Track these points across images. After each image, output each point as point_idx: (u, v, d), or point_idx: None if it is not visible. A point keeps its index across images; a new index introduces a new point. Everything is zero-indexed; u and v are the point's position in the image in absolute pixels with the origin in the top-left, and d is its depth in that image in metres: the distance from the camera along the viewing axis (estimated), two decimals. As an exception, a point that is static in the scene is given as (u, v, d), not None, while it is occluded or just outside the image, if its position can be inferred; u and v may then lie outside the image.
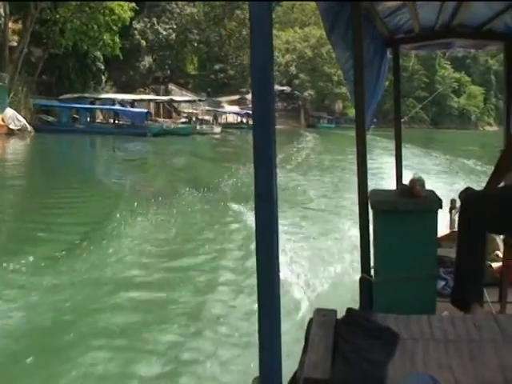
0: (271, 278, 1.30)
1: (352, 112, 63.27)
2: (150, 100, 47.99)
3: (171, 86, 55.01)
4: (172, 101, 48.60)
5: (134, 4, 42.92)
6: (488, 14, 3.79)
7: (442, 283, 3.32)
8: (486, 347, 1.63)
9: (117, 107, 41.93)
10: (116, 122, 40.82)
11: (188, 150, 29.91)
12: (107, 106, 42.04)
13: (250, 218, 8.35)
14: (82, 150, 30.44)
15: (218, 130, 48.21)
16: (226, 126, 53.24)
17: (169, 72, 53.66)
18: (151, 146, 31.07)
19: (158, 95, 51.44)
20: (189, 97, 52.98)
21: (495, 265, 3.43)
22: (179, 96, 51.98)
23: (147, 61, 51.36)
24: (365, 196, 2.75)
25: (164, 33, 49.86)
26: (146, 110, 41.80)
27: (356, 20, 2.72)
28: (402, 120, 4.89)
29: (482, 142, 39.43)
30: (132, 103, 44.91)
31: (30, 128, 33.93)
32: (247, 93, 54.94)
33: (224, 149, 32.75)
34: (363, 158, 2.77)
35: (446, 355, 1.60)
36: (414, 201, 2.75)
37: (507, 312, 2.83)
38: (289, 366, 1.56)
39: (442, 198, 2.79)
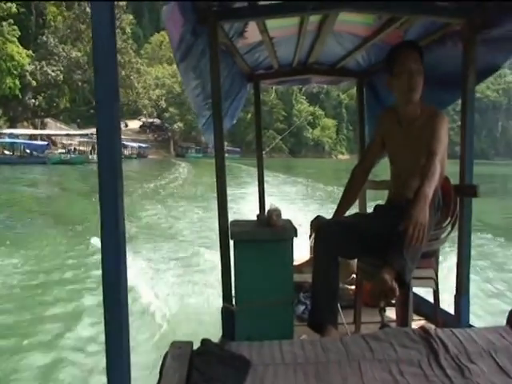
0: (119, 324, 1.29)
1: None
2: (41, 134, 52.67)
3: (47, 119, 59.83)
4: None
5: (30, 51, 52.18)
6: (341, 52, 4.05)
7: (301, 308, 3.43)
8: (332, 368, 1.70)
9: (21, 140, 46.38)
10: (18, 153, 45.04)
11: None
12: (10, 140, 45.84)
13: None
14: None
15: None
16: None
17: (45, 105, 58.14)
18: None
19: (35, 128, 56.43)
20: (64, 129, 58.47)
21: (351, 287, 3.60)
22: (54, 127, 58.31)
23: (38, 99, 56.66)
24: (225, 227, 2.82)
25: (52, 74, 55.26)
26: (46, 143, 47.28)
27: (213, 55, 2.78)
28: (265, 151, 5.04)
29: (335, 169, 42.51)
30: (30, 136, 49.75)
31: None
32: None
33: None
34: (223, 190, 2.84)
35: (294, 378, 1.65)
36: (271, 230, 2.85)
37: (362, 332, 2.99)
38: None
39: (305, 222, 2.89)
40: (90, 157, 47.02)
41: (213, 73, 2.81)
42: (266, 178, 4.83)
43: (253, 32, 3.35)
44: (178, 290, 6.60)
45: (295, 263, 4.14)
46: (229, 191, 2.93)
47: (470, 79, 2.91)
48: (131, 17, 68.77)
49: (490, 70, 3.08)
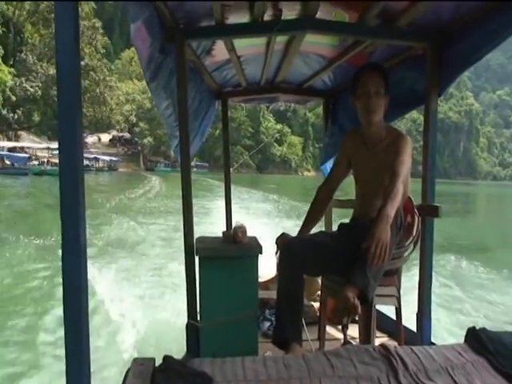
0: (79, 335, 1.31)
1: None
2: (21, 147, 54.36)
3: (20, 132, 61.36)
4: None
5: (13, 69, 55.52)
6: (308, 72, 4.11)
7: (267, 324, 3.44)
8: None
9: (5, 152, 48.04)
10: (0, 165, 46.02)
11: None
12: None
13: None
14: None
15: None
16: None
17: (24, 119, 60.16)
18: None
19: (10, 140, 57.70)
20: (37, 141, 59.62)
21: (316, 304, 3.62)
22: (27, 140, 59.76)
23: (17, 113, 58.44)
24: (191, 243, 2.82)
25: (31, 90, 57.15)
26: (27, 155, 49.57)
27: (181, 73, 2.78)
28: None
29: (303, 185, 43.07)
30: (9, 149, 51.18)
31: None
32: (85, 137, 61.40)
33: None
34: (189, 207, 2.84)
35: None
36: (236, 247, 2.86)
37: (326, 348, 3.00)
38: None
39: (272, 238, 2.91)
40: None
41: (180, 90, 2.81)
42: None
43: (220, 50, 3.38)
44: (144, 306, 6.51)
45: (261, 280, 4.17)
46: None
47: (432, 100, 2.99)
48: (106, 38, 70.92)
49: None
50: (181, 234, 2.91)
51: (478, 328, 2.15)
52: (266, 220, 15.45)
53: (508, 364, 1.84)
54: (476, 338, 2.06)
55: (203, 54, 3.40)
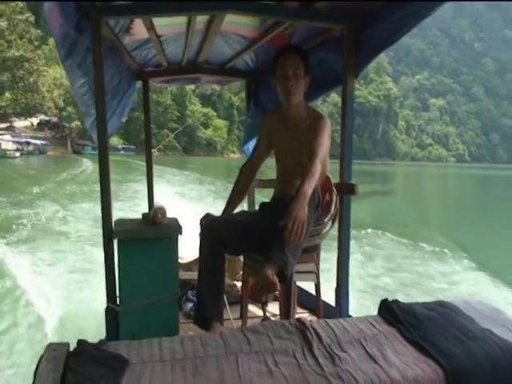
0: None
1: (114, 141, 66.07)
2: None
3: None
4: None
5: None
6: (229, 53, 4.09)
7: (189, 305, 3.45)
8: (209, 362, 1.73)
9: None
10: None
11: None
12: None
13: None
14: None
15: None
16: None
17: None
18: None
19: None
20: None
21: (239, 284, 3.67)
22: None
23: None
24: (109, 225, 2.76)
25: None
26: None
27: (97, 51, 2.69)
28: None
29: (227, 166, 43.70)
30: None
31: None
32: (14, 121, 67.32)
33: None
34: (107, 188, 2.77)
35: (172, 374, 1.66)
36: (156, 229, 2.83)
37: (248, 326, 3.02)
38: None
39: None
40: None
41: (97, 69, 2.72)
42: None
43: (140, 29, 3.29)
44: (66, 289, 6.37)
45: (185, 261, 4.17)
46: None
47: (349, 81, 3.07)
48: (39, 30, 70.17)
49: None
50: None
51: (390, 300, 2.26)
52: (193, 200, 15.41)
53: (417, 333, 1.95)
54: (388, 310, 2.16)
55: (121, 32, 3.30)
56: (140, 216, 3.06)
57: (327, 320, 2.02)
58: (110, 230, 2.74)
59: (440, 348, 1.81)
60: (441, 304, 2.24)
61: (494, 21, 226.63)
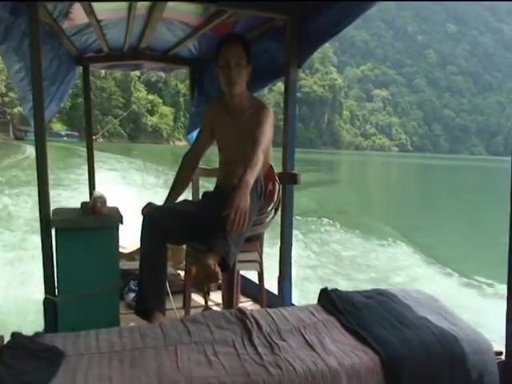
0: None
1: (57, 127, 65.31)
2: None
3: None
4: None
5: None
6: (172, 40, 4.04)
7: (131, 295, 3.40)
8: (148, 354, 1.72)
9: None
10: None
11: None
12: None
13: None
14: None
15: None
16: None
17: None
18: None
19: None
20: None
21: (183, 273, 3.66)
22: None
23: None
24: (47, 214, 2.67)
25: None
26: None
27: (34, 36, 2.59)
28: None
29: (173, 153, 43.69)
30: None
31: None
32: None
33: None
34: (44, 176, 2.68)
35: (109, 366, 1.64)
36: (95, 218, 2.76)
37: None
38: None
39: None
40: None
41: (34, 54, 2.62)
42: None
43: (79, 13, 3.20)
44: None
45: (127, 251, 4.11)
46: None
47: (291, 71, 3.09)
48: None
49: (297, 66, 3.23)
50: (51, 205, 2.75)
51: (330, 289, 2.30)
52: (137, 188, 15.21)
53: (355, 321, 2.00)
54: (328, 299, 2.20)
55: (60, 16, 3.19)
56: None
57: (268, 309, 2.03)
58: (48, 219, 2.66)
59: (377, 336, 1.86)
60: (379, 292, 2.30)
61: (437, 13, 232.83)
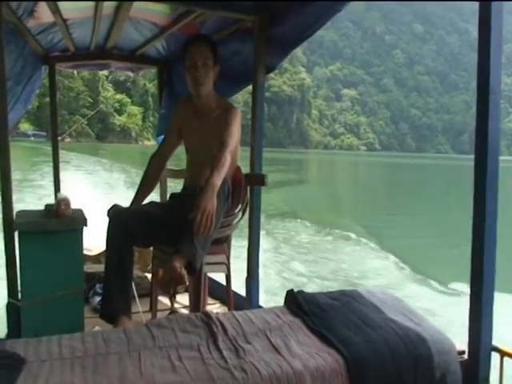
0: None
1: (24, 127, 63.90)
2: None
3: None
4: None
5: None
6: (140, 39, 4.00)
7: (97, 299, 3.33)
8: (111, 359, 1.70)
9: None
10: None
11: None
12: None
13: None
14: None
15: None
16: None
17: None
18: None
19: None
20: None
21: (150, 276, 3.62)
22: None
23: None
24: (9, 216, 2.63)
25: None
26: None
27: None
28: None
29: (142, 153, 43.61)
30: None
31: None
32: None
33: None
34: (7, 177, 2.63)
35: (71, 372, 1.61)
36: (59, 220, 2.73)
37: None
38: None
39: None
40: None
41: None
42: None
43: (45, 12, 3.13)
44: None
45: (93, 253, 4.05)
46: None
47: (259, 73, 3.09)
48: None
49: (268, 69, 3.24)
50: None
51: (296, 291, 2.31)
52: (103, 188, 15.03)
53: (320, 323, 2.01)
54: (294, 301, 2.21)
55: (25, 15, 3.12)
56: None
57: (234, 312, 2.03)
58: (11, 221, 2.62)
59: (342, 337, 1.87)
60: (344, 293, 2.32)
61: (404, 15, 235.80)
